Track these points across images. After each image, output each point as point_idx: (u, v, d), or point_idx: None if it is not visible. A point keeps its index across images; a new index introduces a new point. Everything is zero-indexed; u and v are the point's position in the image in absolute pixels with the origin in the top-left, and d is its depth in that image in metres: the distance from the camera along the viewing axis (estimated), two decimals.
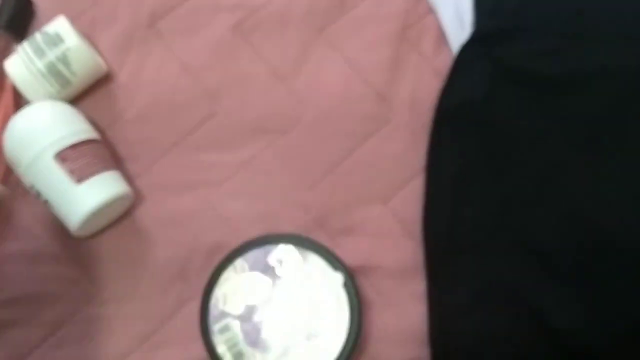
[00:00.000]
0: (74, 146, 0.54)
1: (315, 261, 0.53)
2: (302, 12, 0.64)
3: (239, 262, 0.53)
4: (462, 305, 0.55)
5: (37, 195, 0.53)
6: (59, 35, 0.58)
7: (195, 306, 0.54)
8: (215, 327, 0.52)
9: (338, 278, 0.53)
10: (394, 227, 0.58)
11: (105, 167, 0.55)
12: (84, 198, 0.53)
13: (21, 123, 0.55)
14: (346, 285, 0.53)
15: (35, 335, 0.56)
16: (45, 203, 0.53)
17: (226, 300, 0.52)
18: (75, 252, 0.58)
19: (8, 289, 0.57)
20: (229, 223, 0.58)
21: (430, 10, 0.64)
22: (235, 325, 0.52)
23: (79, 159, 0.53)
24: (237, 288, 0.53)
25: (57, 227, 0.58)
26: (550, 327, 0.52)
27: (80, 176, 0.53)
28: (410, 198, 0.59)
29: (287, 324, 0.52)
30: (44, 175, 0.53)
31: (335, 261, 0.53)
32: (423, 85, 0.62)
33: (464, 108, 0.59)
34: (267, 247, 0.54)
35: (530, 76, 0.59)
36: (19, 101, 0.54)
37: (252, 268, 0.53)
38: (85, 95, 0.60)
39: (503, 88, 0.59)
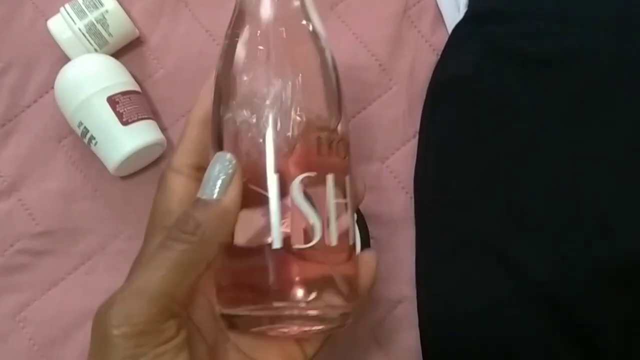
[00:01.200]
0: (124, 93, 0.59)
1: None
2: None
3: None
4: (445, 253, 0.60)
5: (85, 132, 0.58)
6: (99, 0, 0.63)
7: None
8: None
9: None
10: (390, 182, 0.64)
11: (147, 116, 0.60)
12: (127, 138, 0.58)
13: (75, 69, 0.60)
14: (359, 222, 0.58)
15: (68, 264, 0.61)
16: (90, 140, 0.58)
17: None
18: (106, 192, 0.63)
19: (46, 222, 0.62)
20: None
21: None
22: None
23: (127, 105, 0.58)
24: None
25: (91, 170, 0.63)
26: (525, 277, 0.57)
27: (126, 119, 0.58)
28: (405, 157, 0.64)
29: None
30: (95, 115, 0.58)
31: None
32: (420, 60, 0.67)
33: (455, 81, 0.64)
34: None
35: (517, 54, 0.63)
36: None
37: None
38: (118, 55, 0.65)
39: (491, 64, 0.63)
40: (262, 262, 0.34)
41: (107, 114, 0.58)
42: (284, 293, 0.33)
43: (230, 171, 0.33)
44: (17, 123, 0.65)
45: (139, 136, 0.59)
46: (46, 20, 0.64)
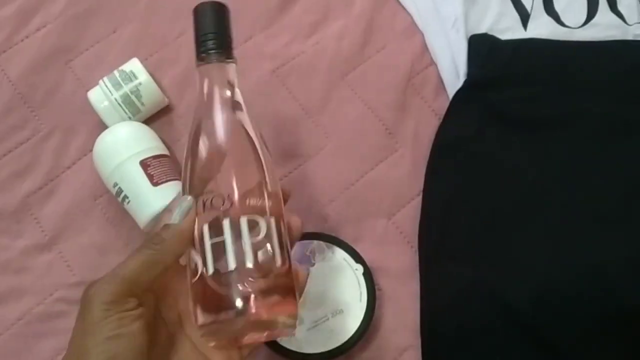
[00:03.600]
0: (154, 157, 0.64)
1: (341, 254, 0.63)
2: (328, 61, 0.74)
3: None
4: (446, 303, 0.63)
5: (119, 192, 0.63)
6: (133, 73, 0.68)
7: None
8: None
9: (359, 268, 0.62)
10: (396, 237, 0.68)
11: (175, 177, 0.65)
12: (157, 197, 0.62)
13: (111, 136, 0.65)
14: (365, 275, 0.62)
15: None
16: (124, 199, 0.63)
17: None
18: (136, 246, 0.68)
19: (82, 273, 0.67)
20: None
21: (432, 63, 0.74)
22: None
23: (157, 167, 0.63)
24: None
25: (123, 226, 0.68)
26: (520, 321, 0.60)
27: (156, 180, 0.62)
28: (410, 214, 0.68)
29: (317, 302, 0.61)
30: (128, 176, 0.63)
31: (356, 255, 0.63)
32: (424, 124, 0.72)
33: (456, 143, 0.68)
34: (304, 242, 0.63)
35: (515, 117, 0.67)
36: None
37: (292, 258, 0.63)
38: (149, 121, 0.70)
39: (490, 127, 0.68)
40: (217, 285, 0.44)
41: (139, 176, 0.63)
42: (232, 303, 0.43)
43: (188, 205, 0.46)
44: (58, 183, 0.70)
45: (167, 195, 0.63)
46: (86, 91, 0.70)
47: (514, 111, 0.68)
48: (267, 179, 0.47)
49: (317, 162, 0.71)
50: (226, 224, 0.44)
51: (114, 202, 0.67)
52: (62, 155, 0.72)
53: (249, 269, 0.43)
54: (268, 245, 0.45)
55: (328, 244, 0.64)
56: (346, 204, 0.69)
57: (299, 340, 0.60)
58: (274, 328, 0.45)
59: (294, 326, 0.46)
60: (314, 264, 0.63)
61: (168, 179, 0.64)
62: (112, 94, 0.68)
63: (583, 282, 0.61)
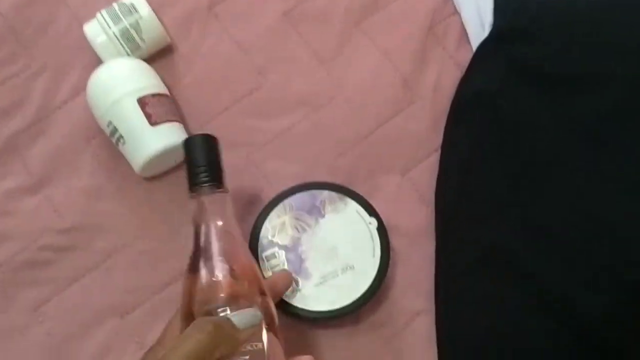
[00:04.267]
0: (154, 95, 0.59)
1: (354, 207, 0.58)
2: (343, 7, 0.69)
3: (288, 202, 0.58)
4: (463, 267, 0.59)
5: (114, 131, 0.58)
6: (134, 6, 0.63)
7: None
8: (263, 254, 0.56)
9: (373, 222, 0.58)
10: (410, 194, 0.63)
11: (175, 118, 0.60)
12: (155, 138, 0.57)
13: (108, 71, 0.60)
14: (379, 229, 0.58)
15: (89, 261, 0.60)
16: (119, 140, 0.58)
17: (274, 233, 0.57)
18: (130, 193, 0.62)
19: (70, 219, 0.61)
20: (268, 179, 0.63)
21: (455, 11, 0.69)
22: (282, 254, 0.56)
23: (156, 106, 0.58)
24: (284, 223, 0.57)
25: (117, 170, 0.63)
26: (543, 292, 0.55)
27: (155, 120, 0.58)
28: (427, 171, 0.64)
29: (327, 257, 0.57)
30: (124, 115, 0.58)
31: (370, 208, 0.58)
32: (445, 76, 0.67)
33: (478, 98, 0.64)
34: (314, 192, 0.58)
35: (539, 74, 0.63)
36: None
37: (299, 208, 0.58)
38: (149, 61, 0.64)
39: (515, 82, 0.63)
40: None
41: (137, 114, 0.58)
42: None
43: (255, 321, 0.43)
44: (47, 123, 0.65)
45: (166, 137, 0.58)
46: (82, 25, 0.64)
47: (541, 67, 0.63)
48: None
49: (328, 112, 0.66)
50: None
51: (108, 144, 0.62)
52: (53, 93, 0.66)
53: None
54: None
55: (340, 194, 0.59)
56: (358, 158, 0.64)
57: (305, 297, 0.56)
58: None
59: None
60: (324, 216, 0.58)
61: (168, 119, 0.59)
62: (110, 28, 0.63)
63: (609, 252, 0.56)
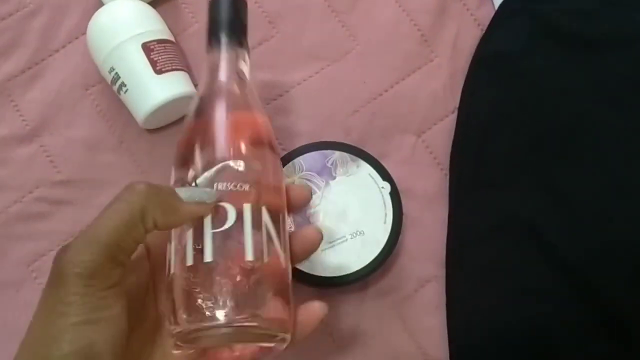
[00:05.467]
0: (159, 41, 0.55)
1: (367, 169, 0.55)
2: None
3: (298, 161, 0.55)
4: (478, 233, 0.56)
5: (115, 79, 0.54)
6: None
7: None
8: None
9: (386, 187, 0.55)
10: (425, 157, 0.59)
11: (182, 67, 0.56)
12: (160, 87, 0.53)
13: (110, 13, 0.55)
14: (392, 195, 0.55)
15: (87, 215, 0.55)
16: (121, 87, 0.54)
17: None
18: (132, 145, 0.59)
19: (67, 171, 0.58)
20: (276, 136, 0.59)
21: None
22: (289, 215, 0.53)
23: (162, 53, 0.54)
24: (293, 183, 0.54)
25: (118, 121, 0.59)
26: (561, 261, 0.53)
27: (160, 68, 0.53)
28: (442, 132, 0.60)
29: (336, 220, 0.54)
30: (128, 61, 0.53)
31: (384, 172, 0.55)
32: (464, 33, 0.63)
33: (500, 57, 0.60)
34: (325, 152, 0.55)
35: (568, 33, 0.59)
36: None
37: (310, 168, 0.55)
38: (154, 6, 0.60)
39: (540, 42, 0.60)
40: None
41: (141, 61, 0.54)
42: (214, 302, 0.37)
43: (205, 197, 0.38)
44: (44, 67, 0.61)
45: (172, 86, 0.54)
46: None
47: (569, 26, 0.60)
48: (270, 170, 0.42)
49: (341, 67, 0.62)
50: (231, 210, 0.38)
51: (108, 92, 0.58)
52: (50, 35, 0.62)
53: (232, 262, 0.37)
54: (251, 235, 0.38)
55: (352, 156, 0.55)
56: (371, 116, 0.61)
57: (311, 261, 0.53)
58: (261, 340, 0.38)
59: (285, 340, 0.39)
60: (334, 178, 0.55)
61: (174, 67, 0.55)
62: None
63: (633, 224, 0.54)
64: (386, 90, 0.61)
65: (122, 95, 0.55)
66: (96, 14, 0.56)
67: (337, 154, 0.55)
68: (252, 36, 0.61)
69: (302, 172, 0.55)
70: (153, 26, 0.56)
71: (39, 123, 0.59)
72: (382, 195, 0.55)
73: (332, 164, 0.55)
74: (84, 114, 0.60)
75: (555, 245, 0.54)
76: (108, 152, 0.59)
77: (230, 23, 0.46)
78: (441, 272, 0.57)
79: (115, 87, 0.55)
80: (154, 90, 0.54)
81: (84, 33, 0.57)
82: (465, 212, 0.57)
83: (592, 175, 0.55)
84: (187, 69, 0.58)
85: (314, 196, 0.54)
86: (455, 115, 0.61)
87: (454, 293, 0.56)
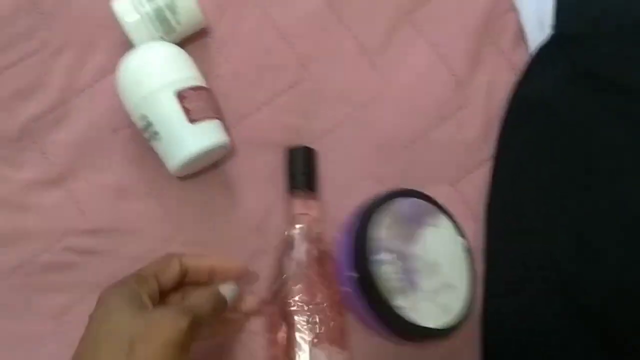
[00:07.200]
0: (193, 88, 0.52)
1: (447, 223, 0.54)
2: None
3: (392, 207, 0.52)
4: (510, 286, 0.56)
5: (147, 126, 0.52)
6: None
7: (267, 259, 0.54)
8: (372, 257, 0.50)
9: (463, 242, 0.54)
10: (459, 207, 0.58)
11: (215, 115, 0.53)
12: (194, 137, 0.51)
13: (142, 57, 0.53)
14: (467, 250, 0.54)
15: (116, 266, 0.53)
16: (153, 136, 0.52)
17: (381, 238, 0.50)
18: (161, 193, 0.56)
19: (95, 219, 0.55)
20: None
21: (512, 9, 0.63)
22: (396, 262, 0.50)
23: (196, 101, 0.52)
24: (390, 229, 0.51)
25: (147, 167, 0.56)
26: (583, 308, 0.53)
27: (194, 117, 0.51)
28: (477, 182, 0.59)
29: (431, 272, 0.51)
30: (160, 109, 0.51)
31: (459, 227, 0.55)
32: (498, 78, 0.61)
33: (537, 103, 0.59)
34: (415, 200, 0.54)
35: (606, 79, 0.58)
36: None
37: (404, 215, 0.52)
38: (183, 45, 0.57)
39: (579, 89, 0.58)
40: None
41: (174, 109, 0.51)
42: None
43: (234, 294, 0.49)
44: (70, 108, 0.58)
45: (206, 136, 0.52)
46: (109, 0, 0.56)
47: (605, 72, 0.59)
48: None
49: (372, 113, 0.60)
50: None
51: (138, 136, 0.56)
52: (76, 75, 0.59)
53: None
54: None
55: (435, 207, 0.54)
56: (404, 166, 0.59)
57: (411, 309, 0.49)
58: None
59: None
60: (425, 228, 0.53)
61: (207, 116, 0.53)
62: (143, 7, 0.55)
63: None
64: (419, 138, 0.60)
65: (153, 143, 0.53)
66: (127, 58, 0.53)
67: (423, 203, 0.54)
68: (282, 78, 0.59)
69: (397, 216, 0.52)
70: (186, 73, 0.54)
71: (65, 167, 0.57)
72: (461, 250, 0.54)
73: (422, 213, 0.54)
74: (112, 159, 0.57)
75: (579, 293, 0.54)
76: (137, 200, 0.56)
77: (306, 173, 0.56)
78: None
79: (147, 134, 0.53)
80: (188, 140, 0.51)
81: (111, 72, 0.55)
82: (499, 265, 0.57)
83: (625, 228, 0.55)
84: (220, 114, 0.56)
85: (410, 244, 0.52)
86: (489, 163, 0.59)
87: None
